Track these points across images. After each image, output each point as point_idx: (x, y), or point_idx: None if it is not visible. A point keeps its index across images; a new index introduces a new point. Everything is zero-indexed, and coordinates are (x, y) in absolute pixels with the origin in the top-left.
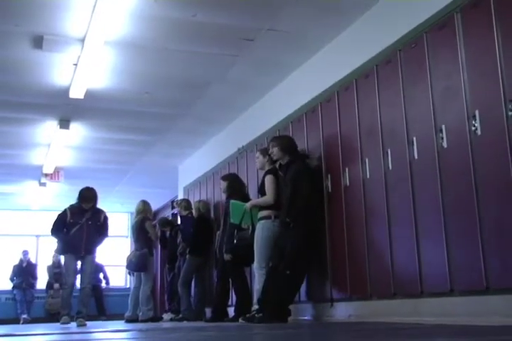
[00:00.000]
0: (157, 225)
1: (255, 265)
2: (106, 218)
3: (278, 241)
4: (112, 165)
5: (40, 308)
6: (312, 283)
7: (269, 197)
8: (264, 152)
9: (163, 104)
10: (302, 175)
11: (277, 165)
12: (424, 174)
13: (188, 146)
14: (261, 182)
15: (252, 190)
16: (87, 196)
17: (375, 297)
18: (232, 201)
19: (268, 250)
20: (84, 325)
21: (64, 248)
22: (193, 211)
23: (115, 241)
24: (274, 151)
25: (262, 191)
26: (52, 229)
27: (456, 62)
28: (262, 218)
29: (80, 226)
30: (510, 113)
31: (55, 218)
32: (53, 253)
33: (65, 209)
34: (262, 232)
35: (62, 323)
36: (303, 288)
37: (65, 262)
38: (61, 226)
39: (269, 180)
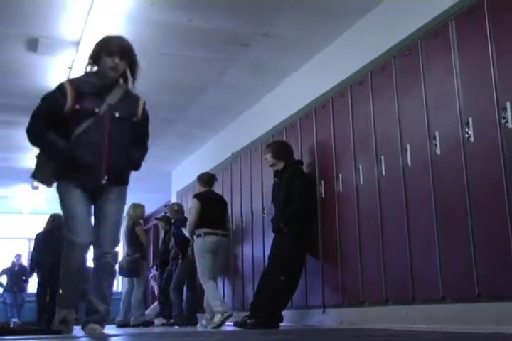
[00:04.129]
0: (157, 221)
1: (200, 278)
2: (146, 111)
3: (271, 247)
4: None
5: (31, 312)
6: (304, 289)
7: (188, 224)
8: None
9: (158, 107)
10: (295, 180)
11: (274, 171)
12: (418, 181)
13: (181, 150)
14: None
15: (246, 194)
16: (118, 44)
17: (367, 303)
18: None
19: (205, 262)
20: (101, 334)
21: (59, 169)
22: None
23: None
24: (268, 158)
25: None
26: (30, 128)
27: (450, 69)
28: (196, 236)
29: (95, 120)
30: (503, 120)
31: (40, 102)
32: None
33: (62, 85)
34: (196, 248)
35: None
36: (295, 294)
37: (64, 200)
38: (51, 122)
39: (192, 205)
